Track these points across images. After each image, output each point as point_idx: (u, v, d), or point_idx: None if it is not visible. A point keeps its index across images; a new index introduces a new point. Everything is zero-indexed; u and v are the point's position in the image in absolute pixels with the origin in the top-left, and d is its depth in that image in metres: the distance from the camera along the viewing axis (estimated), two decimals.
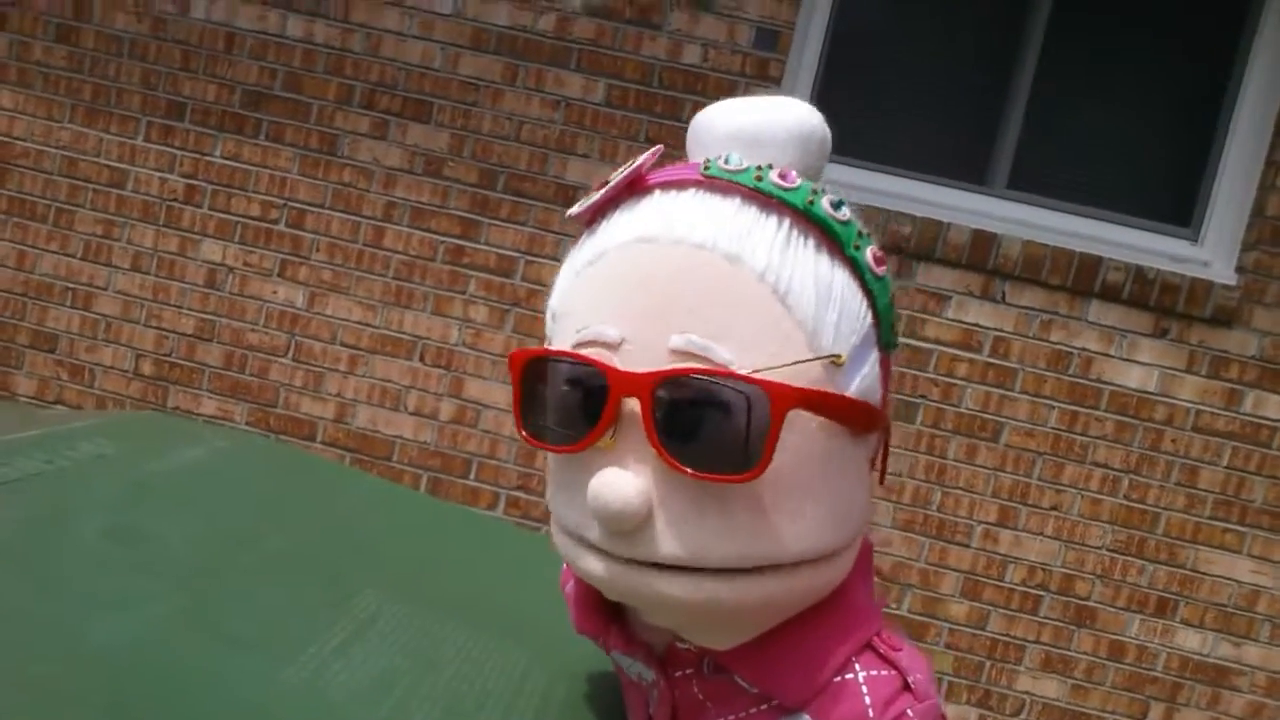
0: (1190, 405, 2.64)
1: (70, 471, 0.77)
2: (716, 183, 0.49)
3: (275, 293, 2.83)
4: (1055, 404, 2.67)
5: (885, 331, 0.51)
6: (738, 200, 0.48)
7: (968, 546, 2.71)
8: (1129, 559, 2.68)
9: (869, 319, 0.50)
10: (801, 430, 0.46)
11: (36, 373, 2.92)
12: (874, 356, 0.50)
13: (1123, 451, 2.66)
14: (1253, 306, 2.60)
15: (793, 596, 0.49)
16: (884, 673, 0.51)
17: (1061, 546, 2.69)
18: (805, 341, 0.46)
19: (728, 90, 2.69)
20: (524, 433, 0.50)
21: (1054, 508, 2.69)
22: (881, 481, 0.54)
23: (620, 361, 0.46)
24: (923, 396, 2.67)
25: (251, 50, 2.80)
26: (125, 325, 2.89)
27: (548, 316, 0.54)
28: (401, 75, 2.77)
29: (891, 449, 0.55)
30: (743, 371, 0.45)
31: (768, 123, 0.50)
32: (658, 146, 0.53)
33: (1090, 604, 2.70)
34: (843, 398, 0.47)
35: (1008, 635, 2.71)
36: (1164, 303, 2.60)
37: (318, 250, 2.82)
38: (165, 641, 0.58)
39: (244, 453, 1.00)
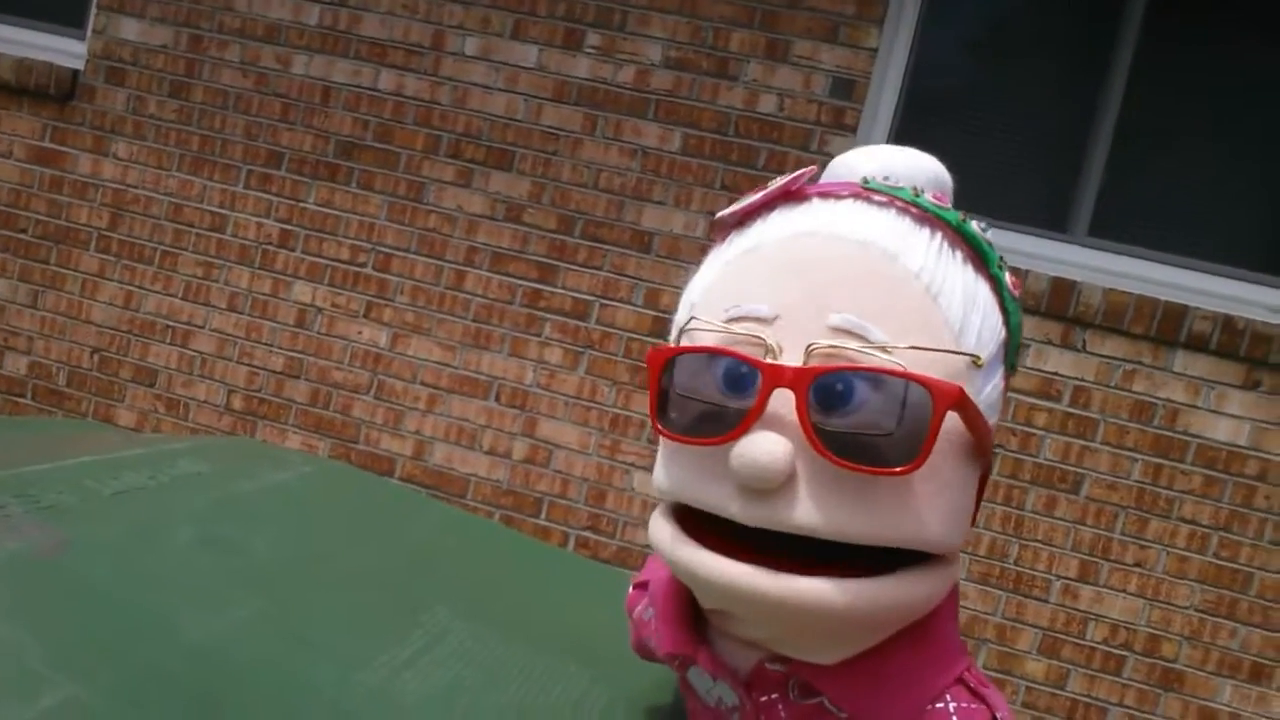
0: None
1: (171, 486, 0.83)
2: (875, 195, 0.52)
3: (360, 333, 2.94)
4: (1139, 456, 2.59)
5: (1012, 353, 0.54)
6: (894, 211, 0.51)
7: (1046, 601, 2.63)
8: (1219, 620, 2.56)
9: (1003, 334, 0.53)
10: (947, 426, 0.47)
11: (137, 406, 3.07)
12: (1001, 371, 0.53)
13: (1211, 507, 2.56)
14: None
15: (916, 600, 0.49)
16: (974, 706, 0.51)
17: (1146, 605, 2.59)
18: (952, 339, 0.49)
19: (803, 139, 2.72)
20: (660, 428, 0.51)
21: (1138, 564, 2.59)
22: (973, 521, 0.54)
23: (772, 335, 0.48)
24: (1000, 446, 2.62)
25: (346, 103, 2.95)
26: (219, 362, 3.03)
27: (682, 309, 0.56)
28: (486, 126, 2.88)
29: None
30: (900, 349, 0.46)
31: (908, 166, 0.54)
32: (811, 166, 0.56)
33: (1177, 667, 2.58)
34: (979, 410, 0.49)
35: (1089, 696, 2.61)
36: (1255, 354, 2.51)
37: (402, 293, 2.92)
38: (249, 641, 0.62)
39: (327, 477, 1.06)
